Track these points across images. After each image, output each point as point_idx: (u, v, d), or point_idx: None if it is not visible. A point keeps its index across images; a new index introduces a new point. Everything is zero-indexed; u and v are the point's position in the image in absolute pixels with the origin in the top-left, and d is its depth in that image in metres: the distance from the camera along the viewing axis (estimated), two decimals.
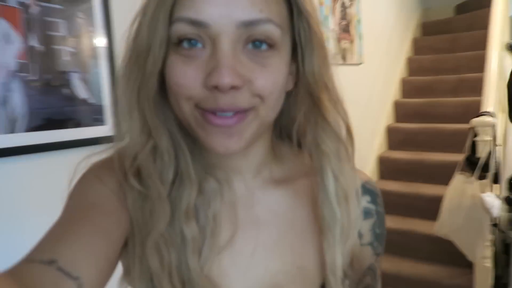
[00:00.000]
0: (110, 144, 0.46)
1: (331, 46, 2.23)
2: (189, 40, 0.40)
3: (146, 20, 0.40)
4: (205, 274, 0.45)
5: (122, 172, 0.44)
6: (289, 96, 0.47)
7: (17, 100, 0.87)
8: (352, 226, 0.48)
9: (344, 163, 0.47)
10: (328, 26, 2.22)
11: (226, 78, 0.37)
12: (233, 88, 0.39)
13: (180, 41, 0.40)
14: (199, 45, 0.40)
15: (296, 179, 0.52)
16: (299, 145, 0.52)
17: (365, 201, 0.53)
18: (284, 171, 0.52)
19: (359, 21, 2.61)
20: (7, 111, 0.85)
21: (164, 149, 0.44)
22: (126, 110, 0.43)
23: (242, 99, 0.40)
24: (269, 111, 0.43)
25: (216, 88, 0.38)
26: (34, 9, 0.88)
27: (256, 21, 0.39)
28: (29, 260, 0.34)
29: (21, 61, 0.87)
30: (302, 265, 0.49)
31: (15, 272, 0.33)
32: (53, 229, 0.39)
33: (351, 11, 2.53)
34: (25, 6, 0.87)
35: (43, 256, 0.35)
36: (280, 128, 0.53)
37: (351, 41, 2.52)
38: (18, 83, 0.87)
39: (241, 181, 0.50)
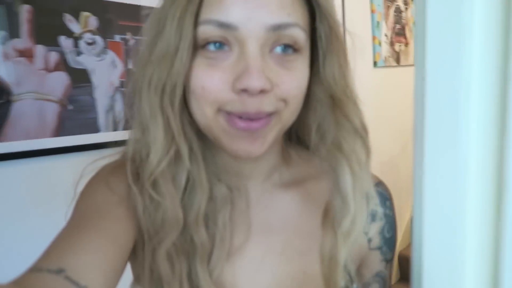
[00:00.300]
0: (120, 149, 0.47)
1: (383, 50, 2.37)
2: (216, 43, 0.39)
3: (172, 22, 0.39)
4: (215, 280, 0.45)
5: (135, 178, 0.43)
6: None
7: (119, 107, 1.22)
8: (361, 224, 0.46)
9: (362, 163, 0.46)
10: (380, 32, 2.36)
11: (256, 81, 0.37)
12: (262, 91, 0.38)
13: (206, 43, 0.39)
14: (226, 48, 0.39)
15: (305, 182, 0.51)
16: (307, 147, 0.51)
17: (373, 203, 0.50)
18: (293, 174, 0.52)
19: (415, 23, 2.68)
20: (114, 115, 1.20)
21: (185, 155, 0.43)
22: (148, 114, 0.41)
23: (268, 103, 0.40)
24: (291, 115, 0.42)
25: (245, 91, 0.38)
26: (131, 42, 1.22)
27: (284, 25, 0.38)
28: (37, 269, 0.33)
29: (122, 79, 1.22)
30: (308, 271, 0.48)
31: (23, 281, 0.32)
32: (60, 236, 0.38)
33: (407, 14, 2.63)
34: (125, 40, 1.21)
35: (50, 265, 0.33)
36: (290, 131, 0.52)
37: (406, 44, 2.62)
38: (120, 95, 1.22)
39: (251, 186, 0.50)
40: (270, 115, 0.41)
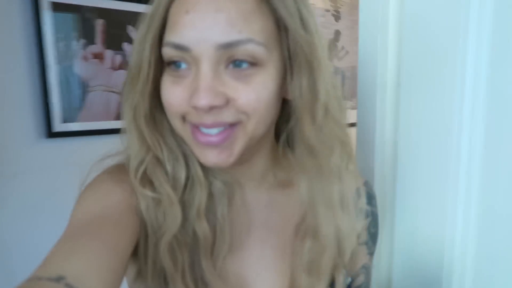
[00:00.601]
0: (123, 150, 0.48)
1: None
2: (175, 62, 0.41)
3: (136, 44, 0.43)
4: (219, 272, 0.46)
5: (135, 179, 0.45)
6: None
7: None
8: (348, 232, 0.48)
9: (323, 177, 0.46)
10: None
11: (203, 100, 0.38)
12: (214, 108, 0.39)
13: (170, 63, 0.42)
14: (184, 66, 0.41)
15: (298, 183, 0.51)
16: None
17: (362, 202, 0.54)
18: (288, 175, 0.53)
19: None
20: None
21: (165, 160, 0.46)
22: (126, 126, 0.46)
23: (228, 116, 0.41)
24: (256, 126, 0.42)
25: (196, 108, 0.39)
26: None
27: (235, 42, 0.39)
28: (37, 277, 0.33)
29: None
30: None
31: None
32: (59, 244, 0.38)
33: None
34: None
35: (51, 272, 0.33)
36: (287, 134, 0.52)
37: None
38: None
39: (248, 186, 0.51)
40: (233, 126, 0.42)
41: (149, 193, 0.45)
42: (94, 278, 0.34)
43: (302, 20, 0.42)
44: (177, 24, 0.40)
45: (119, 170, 0.47)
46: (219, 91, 0.40)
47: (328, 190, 0.47)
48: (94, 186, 0.46)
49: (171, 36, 0.40)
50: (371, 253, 0.57)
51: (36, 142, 1.29)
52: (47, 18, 1.24)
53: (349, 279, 0.54)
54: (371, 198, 0.56)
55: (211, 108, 0.40)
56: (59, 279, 0.32)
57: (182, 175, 0.47)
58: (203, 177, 0.47)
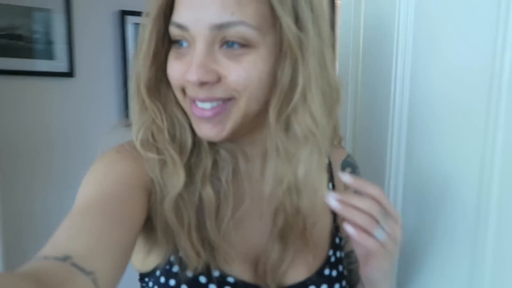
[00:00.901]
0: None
1: None
2: (179, 41, 0.45)
3: (143, 20, 0.47)
4: (224, 234, 0.48)
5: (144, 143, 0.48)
6: None
7: None
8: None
9: (283, 159, 0.47)
10: None
11: (193, 76, 0.42)
12: (204, 83, 0.43)
13: (175, 40, 0.46)
14: (185, 45, 0.45)
15: None
16: None
17: (347, 172, 0.57)
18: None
19: None
20: None
21: (166, 127, 0.48)
22: (132, 94, 0.49)
23: (218, 92, 0.44)
24: (248, 103, 0.44)
25: (189, 82, 0.43)
26: None
27: (227, 24, 0.41)
28: (44, 256, 0.33)
29: None
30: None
31: (31, 269, 0.31)
32: (66, 223, 0.38)
33: None
34: None
35: (57, 252, 0.33)
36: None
37: None
38: None
39: (253, 159, 0.53)
40: (226, 102, 0.45)
41: (152, 155, 0.47)
42: (100, 256, 0.35)
43: (296, 14, 0.43)
44: (179, 5, 0.44)
45: (129, 147, 0.49)
46: (210, 68, 0.43)
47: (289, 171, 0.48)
48: (103, 162, 0.48)
49: (174, 16, 0.44)
50: None
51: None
52: (130, 32, 1.65)
53: (344, 241, 0.57)
54: (354, 168, 0.61)
55: (202, 84, 0.43)
56: (65, 258, 0.33)
57: (188, 141, 0.49)
58: (207, 145, 0.50)
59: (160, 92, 0.49)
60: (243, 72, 0.43)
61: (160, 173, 0.47)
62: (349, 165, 0.60)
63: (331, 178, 0.59)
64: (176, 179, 0.46)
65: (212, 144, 0.50)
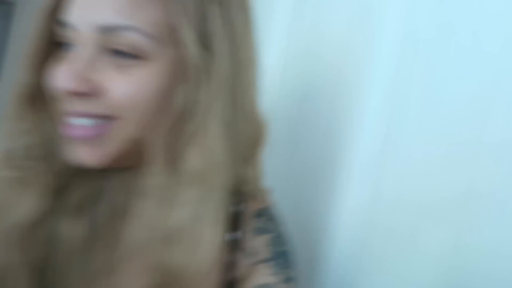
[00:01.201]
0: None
1: None
2: (63, 43, 0.39)
3: (31, 21, 0.40)
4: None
5: None
6: None
7: None
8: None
9: (161, 201, 0.38)
10: None
11: (63, 82, 0.35)
12: (79, 94, 0.36)
13: (59, 43, 0.39)
14: (72, 49, 0.38)
15: None
16: None
17: (257, 222, 0.45)
18: None
19: None
20: None
21: (37, 141, 0.41)
22: (9, 99, 0.41)
23: (97, 107, 0.37)
24: (132, 125, 0.38)
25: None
26: None
27: (117, 27, 0.35)
28: None
29: None
30: None
31: None
32: None
33: None
34: None
35: None
36: None
37: None
38: None
39: (141, 198, 0.42)
40: (107, 121, 0.37)
41: (5, 172, 0.40)
42: None
43: (204, 29, 0.37)
44: (68, 1, 0.38)
45: None
46: (86, 77, 0.36)
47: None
48: None
49: (60, 13, 0.38)
50: (277, 274, 0.44)
51: None
52: None
53: None
54: (273, 218, 0.48)
55: (76, 94, 0.36)
56: None
57: (63, 162, 0.41)
58: (92, 170, 0.40)
59: (46, 102, 0.41)
60: (131, 88, 0.36)
61: (8, 194, 0.40)
62: (263, 215, 0.47)
63: (236, 228, 0.46)
64: (30, 204, 0.39)
65: (98, 171, 0.41)
